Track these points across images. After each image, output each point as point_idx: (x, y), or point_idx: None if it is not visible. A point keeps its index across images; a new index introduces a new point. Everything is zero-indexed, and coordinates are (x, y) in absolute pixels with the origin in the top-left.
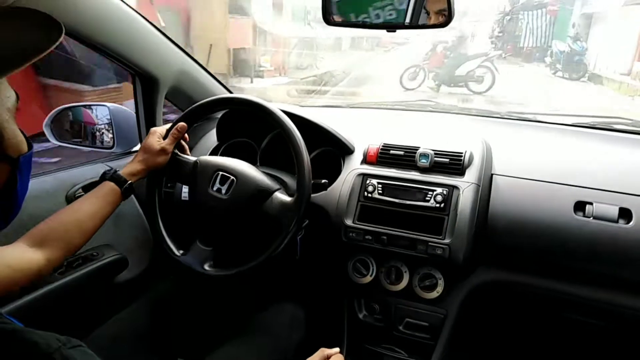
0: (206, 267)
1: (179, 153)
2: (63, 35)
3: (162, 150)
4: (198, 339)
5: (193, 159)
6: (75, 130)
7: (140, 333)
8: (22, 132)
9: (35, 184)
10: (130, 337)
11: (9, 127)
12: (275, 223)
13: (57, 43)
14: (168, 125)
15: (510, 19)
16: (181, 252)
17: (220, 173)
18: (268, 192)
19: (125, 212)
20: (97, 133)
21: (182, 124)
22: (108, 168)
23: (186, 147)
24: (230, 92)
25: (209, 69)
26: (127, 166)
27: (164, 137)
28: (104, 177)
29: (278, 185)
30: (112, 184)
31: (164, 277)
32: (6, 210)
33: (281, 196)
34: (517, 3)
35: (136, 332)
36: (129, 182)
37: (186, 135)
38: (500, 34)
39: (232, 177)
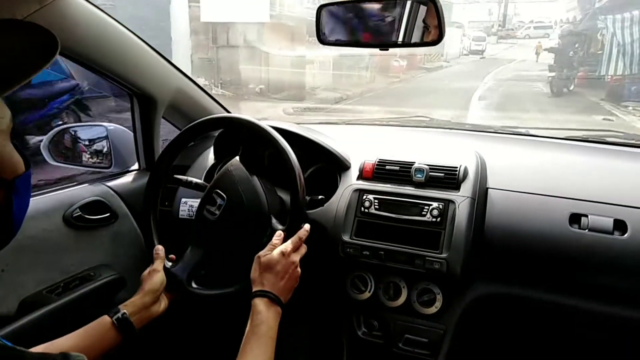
0: (193, 284)
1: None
2: (58, 52)
3: (154, 271)
4: (199, 357)
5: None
6: (73, 150)
7: (139, 352)
8: (20, 151)
9: (32, 204)
10: (129, 357)
11: (4, 150)
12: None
13: (53, 60)
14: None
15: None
16: (170, 264)
17: (215, 190)
18: (259, 216)
19: (123, 231)
20: (95, 153)
21: (158, 247)
22: (105, 187)
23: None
24: (228, 111)
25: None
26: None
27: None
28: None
29: (268, 207)
30: (105, 316)
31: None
32: (4, 232)
33: (271, 222)
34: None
35: (135, 351)
36: (123, 312)
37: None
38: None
39: (221, 197)
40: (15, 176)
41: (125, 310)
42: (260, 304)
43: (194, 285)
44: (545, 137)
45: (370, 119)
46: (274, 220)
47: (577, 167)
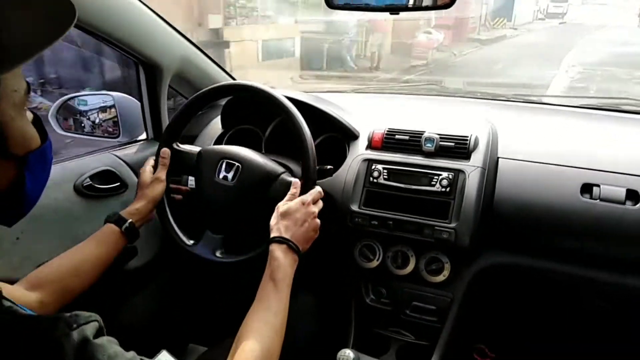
0: (217, 254)
1: (180, 145)
2: (76, 19)
3: (157, 180)
4: (209, 325)
5: (197, 149)
6: (81, 120)
7: (151, 320)
8: (37, 123)
9: None
10: (140, 324)
11: (16, 124)
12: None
13: (70, 28)
14: (152, 160)
15: None
16: (192, 242)
17: (225, 160)
18: (274, 176)
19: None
20: (102, 122)
21: (164, 149)
22: (114, 157)
23: (182, 188)
24: (234, 79)
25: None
26: (129, 207)
27: (154, 169)
28: (106, 220)
29: (283, 168)
30: (111, 225)
31: (173, 265)
32: (15, 208)
33: (287, 178)
34: None
35: (147, 319)
36: (130, 221)
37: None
38: None
39: (237, 164)
40: (28, 151)
41: (132, 220)
42: (277, 249)
43: (218, 255)
44: (559, 105)
45: (379, 87)
46: (288, 177)
47: (591, 136)
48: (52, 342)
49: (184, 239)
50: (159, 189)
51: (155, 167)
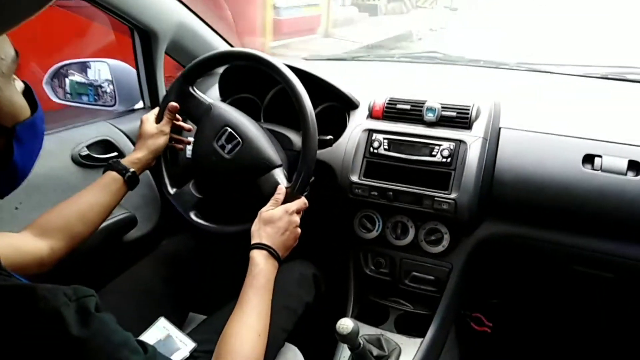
0: (192, 214)
1: (196, 91)
2: None
3: (160, 132)
4: (208, 294)
5: (209, 100)
6: (75, 87)
7: (151, 289)
8: (28, 94)
9: None
10: (140, 293)
11: (3, 95)
12: (264, 202)
13: None
14: (156, 110)
15: None
16: (174, 190)
17: (229, 130)
18: (269, 166)
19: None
20: (98, 90)
21: (172, 103)
22: (111, 126)
23: (185, 126)
24: (232, 46)
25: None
26: (130, 155)
27: (158, 120)
28: (107, 167)
29: (281, 161)
30: (114, 173)
31: (173, 235)
32: (5, 179)
33: (279, 177)
34: None
35: (146, 288)
36: (132, 170)
37: (178, 116)
38: None
39: (238, 139)
40: (16, 122)
41: (134, 169)
42: (258, 256)
43: (191, 215)
44: (562, 74)
45: (380, 55)
46: (280, 175)
47: (595, 106)
48: (52, 311)
49: (169, 186)
50: (161, 141)
51: (159, 118)
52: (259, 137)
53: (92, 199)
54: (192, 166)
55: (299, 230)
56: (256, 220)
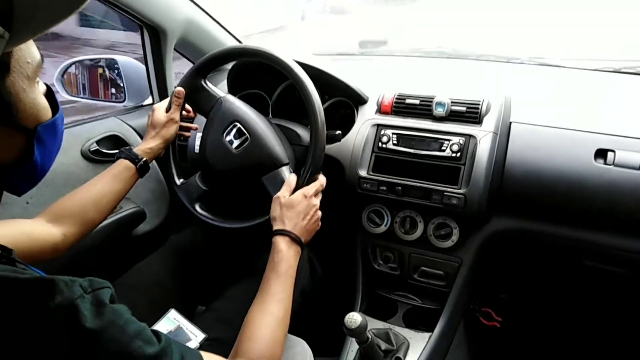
0: (196, 206)
1: (208, 84)
2: None
3: (171, 121)
4: (217, 288)
5: (220, 94)
6: (86, 83)
7: (160, 283)
8: (50, 95)
9: None
10: (149, 286)
11: (27, 97)
12: (269, 199)
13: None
14: (167, 100)
15: None
16: (181, 180)
17: (238, 125)
18: (274, 165)
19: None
20: (108, 86)
21: (178, 89)
22: (120, 122)
23: (192, 126)
24: (240, 42)
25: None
26: (141, 144)
27: (167, 109)
28: (119, 155)
29: (288, 159)
30: (126, 161)
31: (181, 229)
32: (25, 178)
33: (285, 175)
34: None
35: (155, 282)
36: (144, 159)
37: (187, 106)
38: None
39: (247, 135)
40: (38, 123)
41: (145, 158)
42: (281, 242)
43: (197, 208)
44: (575, 68)
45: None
46: (286, 173)
47: (607, 100)
48: (69, 303)
49: (176, 177)
50: (172, 129)
51: (170, 107)
52: (268, 134)
53: (107, 186)
54: (199, 159)
55: (319, 213)
56: (275, 206)
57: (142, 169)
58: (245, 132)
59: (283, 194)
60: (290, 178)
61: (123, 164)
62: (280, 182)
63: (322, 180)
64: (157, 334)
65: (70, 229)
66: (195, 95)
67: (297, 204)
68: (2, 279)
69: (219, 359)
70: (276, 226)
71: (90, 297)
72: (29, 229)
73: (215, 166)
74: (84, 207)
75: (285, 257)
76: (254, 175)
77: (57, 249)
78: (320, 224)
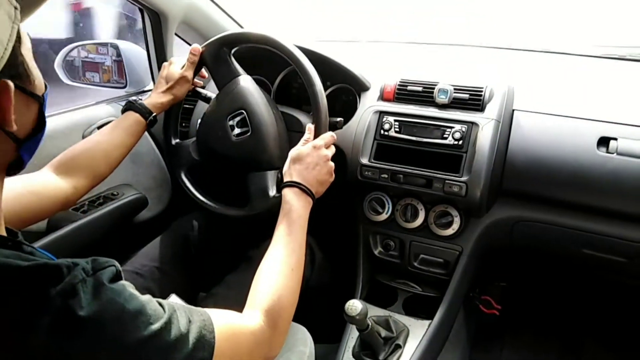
0: (182, 172)
1: (232, 58)
2: None
3: (183, 78)
4: (218, 275)
5: (241, 72)
6: (87, 69)
7: (162, 269)
8: None
9: (51, 124)
10: (151, 273)
11: (34, 65)
12: (247, 195)
13: None
14: (183, 58)
15: None
16: (177, 141)
17: (244, 114)
18: (263, 167)
19: (143, 152)
20: (109, 71)
21: (195, 45)
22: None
23: (205, 74)
24: (241, 27)
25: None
26: (151, 97)
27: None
28: (128, 107)
29: (280, 164)
30: (137, 115)
31: (183, 216)
32: (32, 150)
33: (269, 180)
34: None
35: (157, 268)
36: (154, 114)
37: (203, 71)
38: None
39: (249, 128)
40: (44, 92)
41: (155, 113)
42: (288, 193)
43: (181, 173)
44: (579, 55)
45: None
46: (271, 179)
47: (611, 88)
48: (70, 288)
49: (172, 137)
50: (184, 89)
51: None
52: (269, 133)
53: (117, 139)
54: (198, 128)
55: (331, 163)
56: (287, 162)
57: (151, 124)
58: (249, 124)
59: (296, 147)
60: (308, 128)
61: (133, 118)
62: (264, 185)
63: (333, 134)
64: (161, 305)
65: (81, 181)
66: (215, 64)
67: (305, 155)
68: (5, 266)
69: (231, 313)
70: (285, 178)
71: (92, 280)
72: (38, 186)
73: (209, 143)
74: (94, 159)
75: (295, 207)
76: (241, 168)
77: (68, 202)
78: (334, 175)
